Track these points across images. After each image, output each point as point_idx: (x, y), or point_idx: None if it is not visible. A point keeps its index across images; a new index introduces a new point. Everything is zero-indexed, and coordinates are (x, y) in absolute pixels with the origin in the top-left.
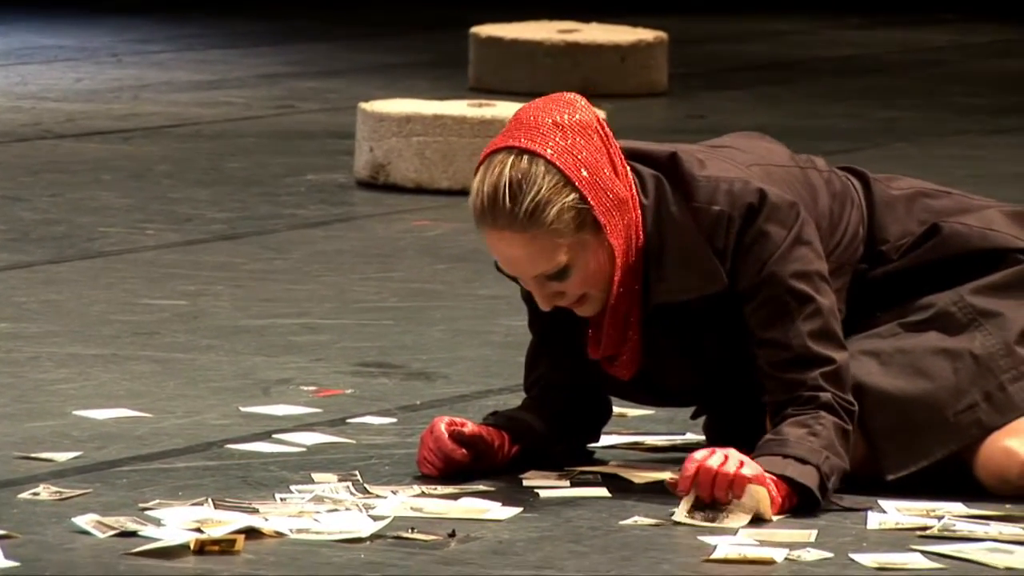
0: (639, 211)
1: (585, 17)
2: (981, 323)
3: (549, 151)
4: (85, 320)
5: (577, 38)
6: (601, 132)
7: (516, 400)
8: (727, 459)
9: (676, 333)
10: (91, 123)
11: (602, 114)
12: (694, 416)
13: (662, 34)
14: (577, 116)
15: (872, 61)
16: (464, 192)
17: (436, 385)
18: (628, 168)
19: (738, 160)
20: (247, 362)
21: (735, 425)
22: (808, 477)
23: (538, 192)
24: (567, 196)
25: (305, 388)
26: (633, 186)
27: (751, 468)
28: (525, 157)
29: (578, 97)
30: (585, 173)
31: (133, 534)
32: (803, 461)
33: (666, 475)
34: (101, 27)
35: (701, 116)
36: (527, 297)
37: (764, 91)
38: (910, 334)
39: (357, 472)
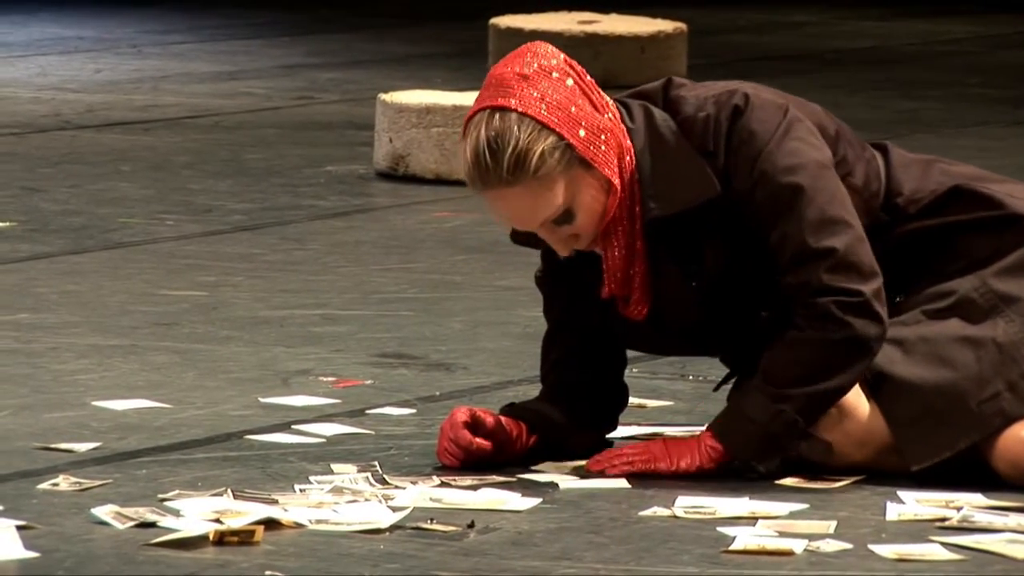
0: (627, 137)
1: (604, 8)
2: (1003, 309)
3: (515, 102)
4: (104, 311)
5: (596, 29)
6: (572, 71)
7: (535, 391)
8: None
9: (678, 254)
10: (111, 114)
11: None
12: (717, 388)
13: (682, 25)
14: (541, 62)
15: (892, 52)
16: None
17: (456, 376)
18: (614, 102)
19: (734, 83)
20: (267, 353)
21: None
22: (745, 446)
23: (517, 143)
24: (545, 140)
25: (325, 379)
26: (616, 116)
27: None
28: (497, 115)
29: (540, 45)
30: (556, 113)
31: (152, 525)
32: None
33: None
34: (121, 18)
35: None
36: (541, 283)
37: (784, 82)
38: (932, 321)
39: (377, 463)
